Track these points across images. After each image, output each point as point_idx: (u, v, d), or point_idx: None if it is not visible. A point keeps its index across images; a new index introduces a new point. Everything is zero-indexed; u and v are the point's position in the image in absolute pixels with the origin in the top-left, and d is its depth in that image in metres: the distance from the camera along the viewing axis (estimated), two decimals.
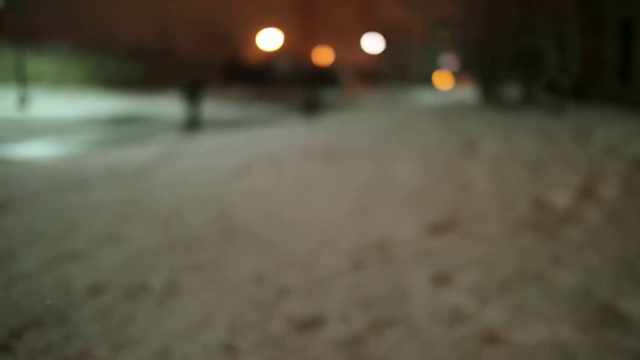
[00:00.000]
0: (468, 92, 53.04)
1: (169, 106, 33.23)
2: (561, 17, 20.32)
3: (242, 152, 11.41)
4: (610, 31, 23.64)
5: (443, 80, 75.55)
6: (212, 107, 30.63)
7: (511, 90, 27.87)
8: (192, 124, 18.72)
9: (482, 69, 40.42)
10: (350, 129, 16.47)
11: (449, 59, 60.64)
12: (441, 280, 3.79)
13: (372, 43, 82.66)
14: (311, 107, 27.18)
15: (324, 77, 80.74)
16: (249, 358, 2.85)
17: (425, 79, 79.42)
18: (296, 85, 68.07)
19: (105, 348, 3.00)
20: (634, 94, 21.30)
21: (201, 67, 54.77)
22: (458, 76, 76.01)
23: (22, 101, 30.23)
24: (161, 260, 4.45)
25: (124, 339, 3.10)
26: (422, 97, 44.22)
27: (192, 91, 19.18)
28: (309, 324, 3.20)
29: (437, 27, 30.92)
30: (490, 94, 33.23)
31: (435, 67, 73.43)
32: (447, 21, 28.73)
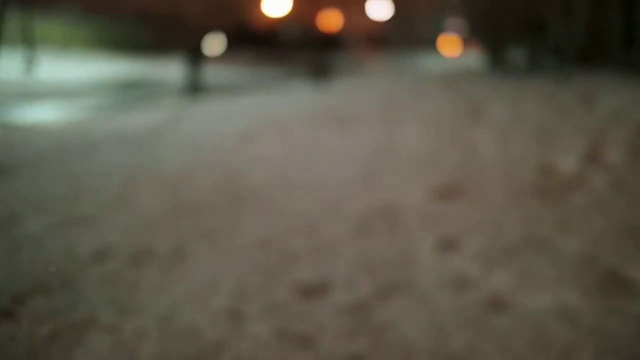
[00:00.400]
0: (476, 58, 52.70)
1: (174, 70, 33.15)
2: None
3: (248, 118, 11.37)
4: None
5: (451, 45, 74.92)
6: (218, 71, 30.53)
7: (518, 56, 27.69)
8: (196, 89, 18.64)
9: (489, 35, 40.16)
10: (357, 94, 16.39)
11: (457, 24, 60.16)
12: (447, 245, 3.79)
13: (379, 8, 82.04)
14: (318, 72, 26.99)
15: (331, 42, 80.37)
16: (255, 324, 2.86)
17: (434, 45, 78.83)
18: (304, 50, 67.86)
19: (110, 314, 3.01)
20: (638, 59, 21.15)
21: (208, 31, 54.43)
22: (466, 41, 75.49)
23: (29, 64, 30.11)
24: (168, 225, 4.46)
25: (129, 305, 3.11)
26: (430, 63, 43.78)
27: (194, 55, 19.08)
28: (315, 290, 3.21)
29: None
30: (497, 60, 33.00)
31: (443, 32, 72.76)
32: None
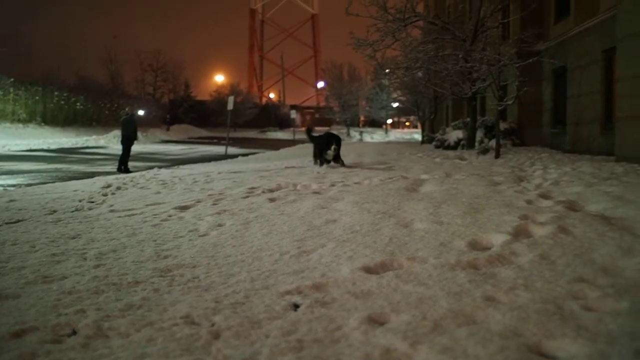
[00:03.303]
0: (414, 134, 53.89)
1: (109, 142, 32.86)
2: (501, 65, 20.95)
3: (183, 189, 11.31)
4: (546, 79, 24.47)
5: (391, 123, 76.65)
6: (154, 144, 30.32)
7: (454, 133, 28.44)
8: (128, 161, 18.52)
9: (426, 112, 41.32)
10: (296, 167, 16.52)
11: (396, 102, 61.74)
12: (375, 321, 3.77)
13: (322, 86, 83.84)
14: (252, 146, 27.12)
15: (274, 117, 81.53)
16: None
17: (375, 122, 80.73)
18: (244, 125, 68.50)
19: None
20: (567, 139, 21.98)
21: (146, 103, 54.41)
22: (404, 119, 77.53)
23: None
24: (92, 301, 4.32)
25: None
26: (370, 137, 44.56)
27: (128, 128, 19.00)
28: None
29: (383, 71, 31.30)
30: (433, 136, 33.84)
31: (382, 109, 74.69)
32: (394, 65, 29.21)
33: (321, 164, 17.16)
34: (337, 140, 17.29)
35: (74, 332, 3.72)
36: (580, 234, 6.25)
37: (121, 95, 60.62)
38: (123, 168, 17.97)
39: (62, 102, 50.04)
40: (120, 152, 18.75)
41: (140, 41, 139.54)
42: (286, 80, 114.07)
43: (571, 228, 6.53)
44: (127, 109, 20.86)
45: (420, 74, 30.34)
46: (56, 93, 49.82)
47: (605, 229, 6.53)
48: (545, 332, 3.51)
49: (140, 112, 46.51)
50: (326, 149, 17.16)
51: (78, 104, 52.17)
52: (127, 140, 18.59)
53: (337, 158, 17.20)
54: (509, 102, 20.65)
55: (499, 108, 20.59)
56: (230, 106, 28.90)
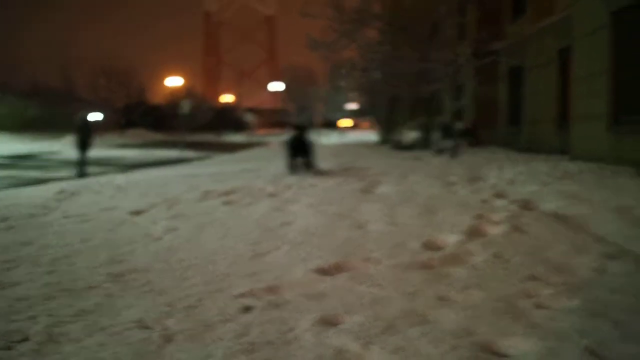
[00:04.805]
0: (370, 135, 54.15)
1: (64, 147, 32.41)
2: (458, 65, 21.13)
3: (137, 193, 11.19)
4: (503, 79, 24.74)
5: (347, 123, 76.92)
6: (109, 149, 29.98)
7: (410, 134, 28.59)
8: (83, 165, 18.24)
9: (382, 113, 41.51)
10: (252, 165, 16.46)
11: (352, 103, 62.00)
12: (328, 322, 3.77)
13: (277, 87, 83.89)
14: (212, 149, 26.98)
15: (230, 120, 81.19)
16: None
17: (330, 123, 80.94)
18: (200, 129, 68.11)
19: None
20: (523, 139, 22.29)
21: (101, 107, 53.77)
22: (361, 120, 77.92)
23: None
24: (44, 307, 4.24)
25: None
26: (326, 139, 44.61)
27: (83, 133, 18.70)
28: None
29: (340, 72, 31.41)
30: (390, 137, 34.02)
31: (339, 111, 74.97)
32: (350, 66, 29.30)
33: (291, 171, 14.85)
34: (305, 145, 15.44)
35: (26, 339, 3.65)
36: (534, 233, 6.35)
37: (76, 100, 59.75)
38: (80, 172, 17.72)
39: (16, 108, 49.20)
40: (76, 158, 18.47)
41: (92, 45, 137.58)
42: (242, 83, 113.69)
43: (525, 227, 6.63)
44: (81, 114, 20.49)
45: (377, 75, 30.47)
46: (9, 99, 48.97)
47: (559, 227, 6.64)
48: (498, 330, 3.55)
49: (98, 117, 45.83)
50: (295, 155, 15.23)
51: (32, 109, 51.34)
52: (83, 145, 18.33)
53: (308, 164, 15.26)
54: (465, 103, 20.84)
55: (455, 109, 20.81)
56: (185, 110, 28.73)
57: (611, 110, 13.88)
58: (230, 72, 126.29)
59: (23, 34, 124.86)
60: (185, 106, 28.83)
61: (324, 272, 5.03)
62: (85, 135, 18.71)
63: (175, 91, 71.83)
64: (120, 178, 15.56)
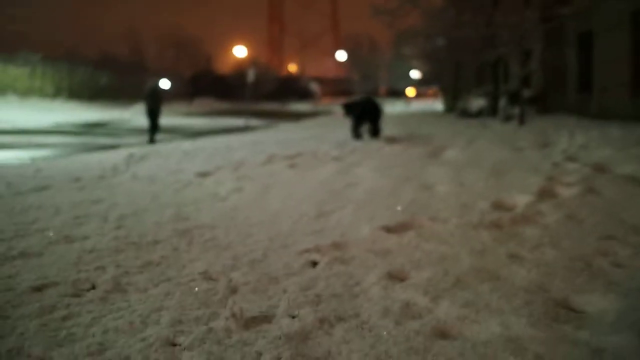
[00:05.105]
0: (435, 104, 53.51)
1: (133, 115, 32.98)
2: (524, 30, 20.50)
3: (204, 157, 11.28)
4: (571, 44, 23.92)
5: (411, 92, 76.12)
6: (177, 119, 30.39)
7: (476, 101, 28.04)
8: (154, 132, 18.42)
9: (447, 81, 40.88)
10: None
11: (416, 72, 61.25)
12: (395, 278, 3.69)
13: (340, 57, 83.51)
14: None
15: (295, 89, 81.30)
16: (190, 354, 2.71)
17: (395, 92, 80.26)
18: (265, 98, 68.46)
19: (41, 346, 2.83)
20: (593, 105, 21.59)
21: (169, 77, 54.41)
22: (425, 89, 77.00)
23: None
24: (112, 259, 4.29)
25: (61, 336, 2.93)
26: (391, 107, 44.24)
27: (153, 100, 18.84)
28: (255, 321, 3.07)
29: (404, 40, 31.00)
30: (455, 105, 33.49)
31: (403, 78, 74.21)
32: (414, 34, 28.85)
33: (356, 137, 14.63)
34: (373, 110, 14.94)
35: (93, 287, 3.70)
36: (609, 195, 6.12)
37: (144, 69, 60.70)
38: (151, 139, 17.89)
39: (88, 78, 50.27)
40: (147, 125, 18.67)
41: (160, 16, 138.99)
42: (306, 52, 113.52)
43: (599, 189, 6.39)
44: (151, 81, 20.66)
45: (441, 41, 29.92)
46: (81, 69, 50.07)
47: (635, 190, 6.39)
48: (573, 287, 3.41)
49: (166, 86, 46.34)
50: (362, 121, 14.79)
51: (103, 79, 52.38)
52: (152, 113, 18.47)
53: (375, 131, 14.91)
54: (533, 69, 20.26)
55: (522, 75, 20.26)
56: (250, 77, 28.77)
57: None
58: (293, 41, 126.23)
59: (94, 5, 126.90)
60: (251, 74, 28.83)
61: (390, 230, 4.94)
62: (155, 102, 18.87)
63: (240, 61, 72.21)
64: (187, 144, 15.72)
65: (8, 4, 38.22)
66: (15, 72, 42.11)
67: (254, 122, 29.27)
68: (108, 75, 53.13)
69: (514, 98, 22.81)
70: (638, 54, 18.04)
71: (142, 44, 76.57)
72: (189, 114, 41.35)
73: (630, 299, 3.16)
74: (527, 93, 22.84)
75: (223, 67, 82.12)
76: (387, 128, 17.16)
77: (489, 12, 23.03)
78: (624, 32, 19.36)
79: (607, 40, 20.69)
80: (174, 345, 2.83)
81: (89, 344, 2.83)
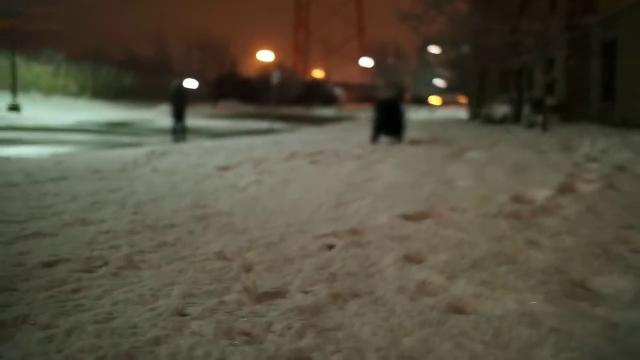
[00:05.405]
0: (459, 112, 53.34)
1: (157, 116, 33.16)
2: (549, 38, 20.38)
3: (225, 154, 11.31)
4: (595, 53, 23.71)
5: (435, 101, 76.01)
6: (201, 120, 30.55)
7: (500, 108, 27.93)
8: (178, 132, 18.49)
9: (471, 88, 40.72)
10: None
11: (440, 80, 61.13)
12: (411, 260, 3.67)
13: (366, 63, 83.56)
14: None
15: (319, 94, 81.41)
16: (199, 323, 2.69)
17: (419, 99, 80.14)
18: (290, 102, 68.60)
19: (47, 314, 2.83)
20: (617, 114, 21.37)
21: (194, 78, 54.62)
22: (449, 97, 76.84)
23: (14, 108, 30.27)
24: (127, 239, 4.30)
25: (69, 307, 2.93)
26: (414, 114, 44.20)
27: (178, 101, 18.92)
28: (269, 295, 3.06)
29: (428, 47, 30.98)
30: (479, 112, 33.36)
31: (427, 86, 74.09)
32: (439, 40, 28.82)
33: (373, 139, 13.95)
34: (392, 109, 14.32)
35: (106, 264, 3.69)
36: (628, 190, 6.07)
37: (169, 71, 61.03)
38: (175, 139, 17.94)
39: (112, 77, 50.70)
40: (171, 125, 18.74)
41: (187, 18, 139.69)
42: (331, 58, 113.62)
43: (619, 185, 6.33)
44: (176, 81, 20.78)
45: (466, 48, 29.83)
46: (105, 68, 50.51)
47: None
48: (591, 269, 3.37)
49: (192, 86, 46.48)
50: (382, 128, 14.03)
51: (127, 79, 52.78)
52: (179, 113, 18.54)
53: (394, 131, 14.07)
54: (556, 77, 20.11)
55: (546, 83, 20.12)
56: (275, 80, 28.88)
57: None
58: (318, 47, 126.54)
59: (119, 6, 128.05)
60: (276, 76, 28.93)
61: (408, 218, 4.92)
62: (180, 103, 18.95)
63: (266, 65, 72.39)
64: (209, 143, 15.79)
65: (49, 2, 38.63)
66: (39, 69, 42.56)
67: (277, 125, 29.31)
68: (132, 76, 53.51)
69: (538, 106, 22.66)
70: None
71: (168, 45, 77.03)
72: (213, 116, 41.48)
73: None
74: (550, 101, 22.67)
75: (248, 71, 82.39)
76: (410, 132, 17.08)
77: (514, 19, 22.94)
78: None
79: (632, 49, 20.49)
80: (183, 315, 2.82)
81: (97, 313, 2.83)
